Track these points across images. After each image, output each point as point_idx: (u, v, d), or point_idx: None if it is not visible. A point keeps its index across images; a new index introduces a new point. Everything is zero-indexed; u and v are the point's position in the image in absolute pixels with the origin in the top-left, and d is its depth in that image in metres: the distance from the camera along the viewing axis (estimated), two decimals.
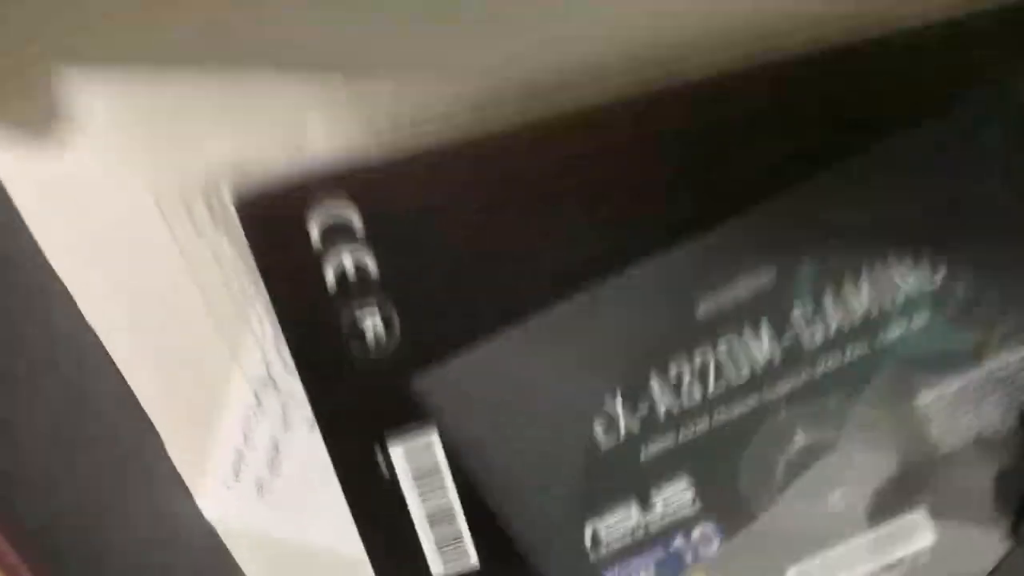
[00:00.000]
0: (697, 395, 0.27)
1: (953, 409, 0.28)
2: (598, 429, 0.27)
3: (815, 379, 0.27)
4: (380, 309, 0.26)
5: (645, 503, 0.28)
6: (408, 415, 0.27)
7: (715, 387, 0.27)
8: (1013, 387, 0.28)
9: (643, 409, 0.27)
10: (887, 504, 0.29)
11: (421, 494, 0.28)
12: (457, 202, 0.25)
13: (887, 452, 0.28)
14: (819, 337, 0.26)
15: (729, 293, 0.26)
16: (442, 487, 0.28)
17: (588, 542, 0.28)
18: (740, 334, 0.26)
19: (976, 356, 0.27)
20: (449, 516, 0.28)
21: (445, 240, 0.25)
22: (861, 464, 0.28)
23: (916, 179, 0.24)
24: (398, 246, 0.25)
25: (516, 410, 0.27)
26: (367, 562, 0.30)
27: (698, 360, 0.27)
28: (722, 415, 0.27)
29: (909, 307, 0.26)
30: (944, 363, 0.27)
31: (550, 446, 0.27)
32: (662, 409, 0.27)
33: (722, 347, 0.26)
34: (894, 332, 0.27)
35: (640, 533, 0.28)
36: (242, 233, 0.25)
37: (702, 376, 0.27)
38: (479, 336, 0.26)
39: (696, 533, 0.29)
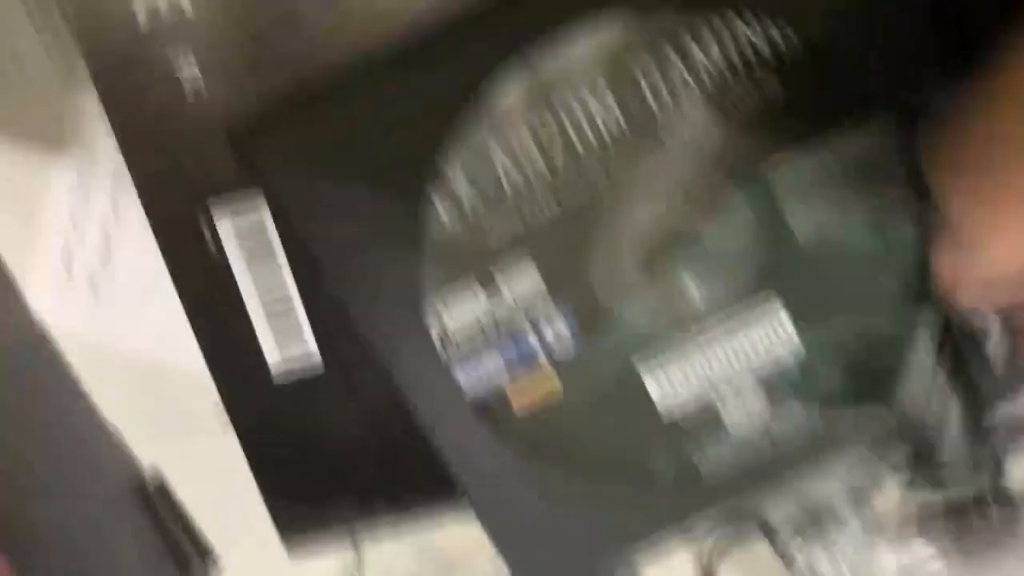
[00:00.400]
0: (540, 164, 0.26)
1: (807, 195, 0.27)
2: (436, 200, 0.26)
3: (667, 152, 0.26)
4: (196, 52, 0.24)
5: (491, 289, 0.27)
6: (236, 183, 0.26)
7: (559, 157, 0.26)
8: (872, 184, 0.27)
9: (484, 178, 0.26)
10: (741, 295, 0.28)
11: (253, 276, 0.27)
12: None
13: (742, 238, 0.27)
14: (664, 104, 0.25)
15: (567, 49, 0.25)
16: (275, 267, 0.27)
17: (434, 334, 0.27)
18: (583, 99, 0.25)
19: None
20: (286, 301, 0.27)
21: None
22: (715, 252, 0.27)
23: None
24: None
25: (344, 172, 0.25)
26: (204, 371, 0.29)
27: (540, 125, 0.26)
28: (568, 187, 0.26)
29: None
30: (793, 140, 0.27)
31: (384, 219, 0.26)
32: (505, 179, 0.26)
33: (565, 110, 0.25)
34: (745, 101, 0.26)
35: (487, 320, 0.27)
36: None
37: (544, 146, 0.26)
38: (310, 89, 0.25)
39: (548, 330, 0.28)
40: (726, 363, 0.28)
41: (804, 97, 0.26)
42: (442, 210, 0.26)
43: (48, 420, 0.31)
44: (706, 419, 0.29)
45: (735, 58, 0.25)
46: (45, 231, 0.28)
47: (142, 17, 0.24)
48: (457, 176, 0.26)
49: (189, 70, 0.25)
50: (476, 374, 0.28)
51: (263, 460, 0.29)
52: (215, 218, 0.26)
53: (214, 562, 0.33)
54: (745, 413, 0.28)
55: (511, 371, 0.28)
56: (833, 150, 0.26)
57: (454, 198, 0.26)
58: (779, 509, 0.32)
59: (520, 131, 0.26)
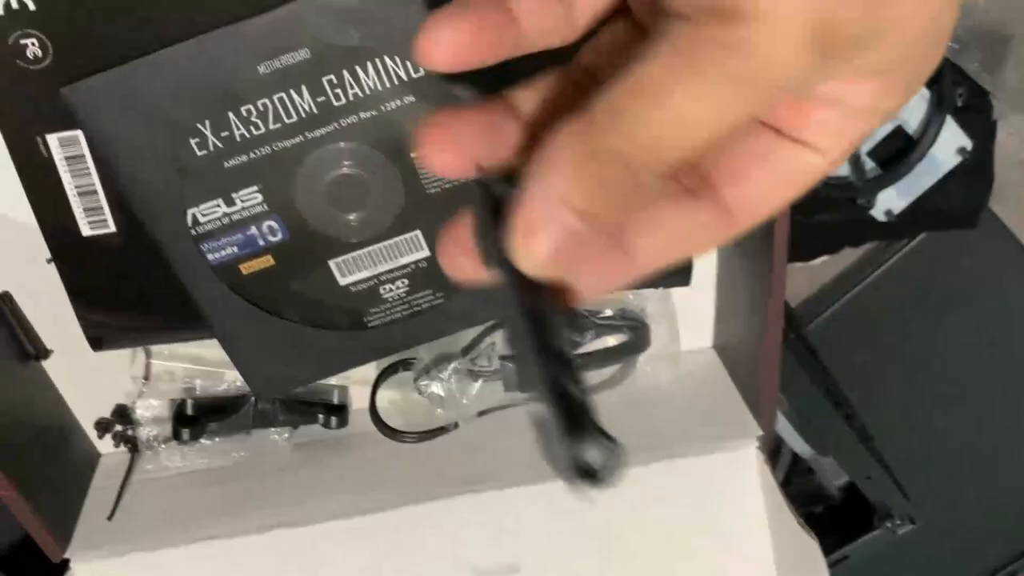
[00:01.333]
0: (261, 128, 0.40)
1: None
2: (193, 142, 0.40)
3: (343, 129, 0.41)
4: (36, 36, 0.38)
5: (228, 199, 0.42)
6: (61, 116, 0.40)
7: (273, 124, 0.40)
8: None
9: (224, 133, 0.40)
10: (396, 223, 0.43)
11: (71, 173, 0.41)
12: None
13: (394, 187, 0.42)
14: (343, 101, 0.40)
15: (279, 61, 0.39)
16: (87, 170, 0.41)
17: (189, 222, 0.42)
18: (288, 90, 0.40)
19: None
20: (92, 192, 0.42)
21: None
22: (376, 193, 0.42)
23: None
24: None
25: (136, 123, 0.40)
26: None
27: (260, 104, 0.40)
28: (280, 144, 0.41)
29: (395, 92, 0.40)
30: None
31: (159, 152, 0.40)
32: (237, 134, 0.40)
33: (276, 97, 0.40)
34: (391, 103, 0.40)
35: (226, 221, 0.42)
36: None
37: (263, 116, 0.40)
38: (109, 65, 0.38)
39: (265, 227, 0.43)
40: (385, 263, 0.44)
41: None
42: (196, 148, 0.40)
43: None
44: (371, 294, 0.45)
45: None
46: None
47: None
48: (207, 129, 0.40)
49: (32, 48, 0.38)
50: (218, 250, 0.43)
51: (76, 286, 0.45)
52: (47, 137, 0.40)
53: (46, 356, 0.49)
54: (395, 295, 0.45)
55: (240, 250, 0.43)
56: None
57: (204, 141, 0.40)
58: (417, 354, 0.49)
59: (247, 106, 0.40)
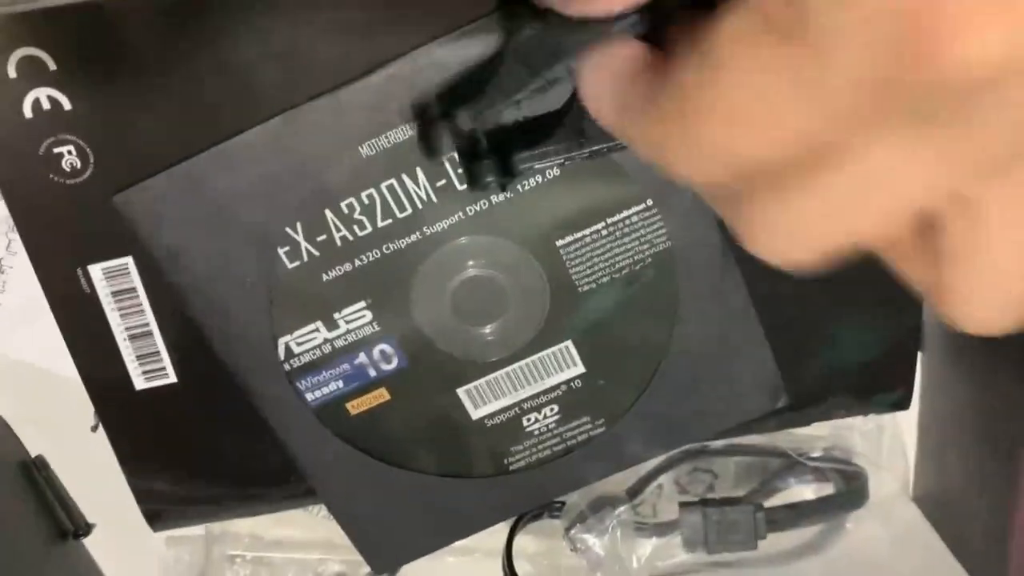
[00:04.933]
0: (367, 226, 0.31)
1: (586, 256, 0.33)
2: (282, 252, 0.31)
3: (470, 219, 0.32)
4: (73, 142, 0.30)
5: (329, 321, 0.33)
6: (105, 239, 0.31)
7: (382, 220, 0.31)
8: (638, 238, 0.33)
9: (321, 237, 0.31)
10: (540, 335, 0.34)
11: (120, 312, 0.32)
12: (137, 47, 0.28)
13: (536, 288, 0.33)
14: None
15: (386, 139, 0.30)
16: (139, 308, 0.32)
17: (281, 355, 0.33)
18: (398, 175, 0.31)
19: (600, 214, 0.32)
20: (146, 334, 0.33)
21: (132, 81, 0.29)
22: (515, 297, 0.33)
23: None
24: (87, 85, 0.29)
25: (208, 232, 0.31)
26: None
27: (365, 196, 0.31)
28: (392, 244, 0.32)
29: None
30: (578, 215, 0.32)
31: (239, 268, 0.32)
32: (337, 237, 0.31)
33: (384, 185, 0.31)
34: (528, 181, 0.31)
35: (328, 350, 0.33)
36: None
37: (369, 211, 0.31)
38: (164, 166, 0.30)
39: (377, 353, 0.33)
40: (528, 386, 0.34)
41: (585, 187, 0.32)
42: (285, 259, 0.32)
43: None
44: (512, 428, 0.35)
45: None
46: None
47: (27, 112, 0.29)
48: (299, 234, 0.31)
49: (69, 158, 0.30)
50: (318, 387, 0.34)
51: (128, 452, 0.35)
52: (88, 267, 0.32)
53: (87, 533, 0.39)
54: (542, 426, 0.35)
55: (347, 384, 0.34)
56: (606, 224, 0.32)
57: (295, 250, 0.31)
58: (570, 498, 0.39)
59: (348, 200, 0.31)
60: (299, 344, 0.33)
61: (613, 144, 0.29)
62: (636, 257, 0.33)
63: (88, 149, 0.30)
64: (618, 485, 0.40)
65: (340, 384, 0.34)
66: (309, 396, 0.34)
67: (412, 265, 0.32)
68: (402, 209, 0.31)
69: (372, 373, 0.34)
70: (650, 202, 0.32)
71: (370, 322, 0.33)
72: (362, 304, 0.33)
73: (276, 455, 0.35)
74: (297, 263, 0.32)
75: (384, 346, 0.34)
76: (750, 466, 0.43)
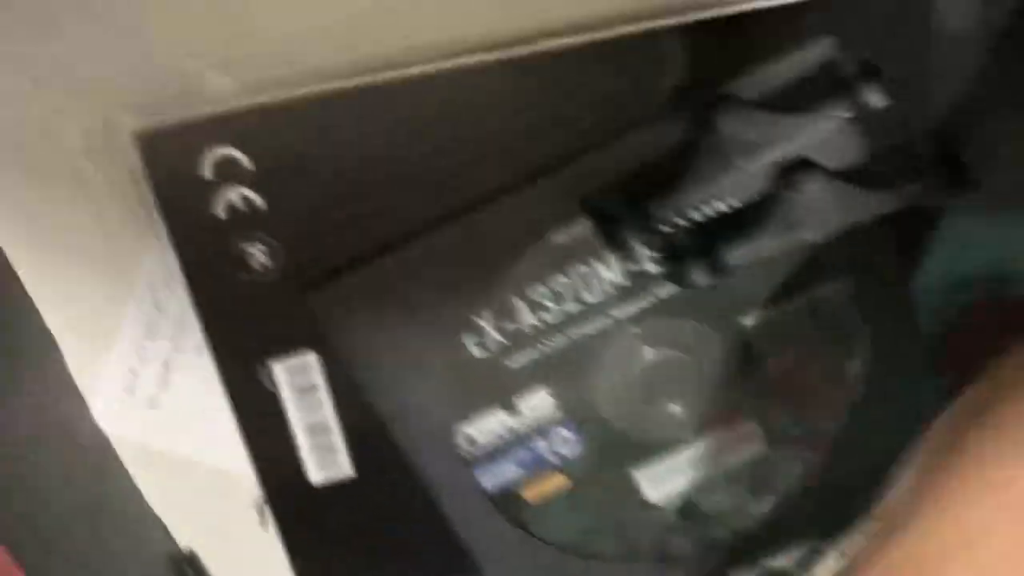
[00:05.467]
0: (556, 313, 0.31)
1: (775, 332, 0.32)
2: (470, 342, 0.31)
3: (659, 302, 0.31)
4: (265, 240, 0.29)
5: (511, 408, 0.32)
6: (289, 336, 0.31)
7: (573, 306, 0.31)
8: (833, 316, 0.32)
9: (509, 325, 0.31)
10: (722, 414, 0.33)
11: (299, 409, 0.32)
12: (335, 148, 0.28)
13: (721, 368, 0.32)
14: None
15: (579, 227, 0.30)
16: (319, 403, 0.32)
17: (461, 445, 0.32)
18: (588, 260, 0.30)
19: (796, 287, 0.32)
20: (325, 429, 0.32)
21: (327, 181, 0.29)
22: (699, 377, 0.32)
23: None
24: (284, 184, 0.29)
25: (394, 328, 0.30)
26: (250, 476, 0.34)
27: (556, 283, 0.30)
28: (578, 331, 0.31)
29: None
30: (770, 291, 0.32)
31: (426, 358, 0.31)
32: (526, 324, 0.31)
33: (578, 272, 0.30)
34: None
35: (508, 436, 0.32)
36: (142, 168, 0.28)
37: (559, 298, 0.31)
38: (358, 264, 0.30)
39: (557, 438, 0.33)
40: (708, 466, 0.34)
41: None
42: (472, 348, 0.31)
43: (102, 512, 0.36)
44: (691, 511, 0.34)
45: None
46: (113, 360, 0.33)
47: (220, 212, 0.29)
48: (486, 321, 0.31)
49: (259, 256, 0.30)
50: (495, 474, 0.33)
51: (300, 547, 0.35)
52: (271, 366, 0.31)
53: None
54: (720, 507, 0.34)
55: (525, 470, 0.33)
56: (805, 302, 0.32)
57: (481, 338, 0.31)
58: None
59: (537, 287, 0.30)
60: (480, 431, 0.32)
61: (829, 232, 0.28)
62: (829, 337, 0.32)
63: (280, 248, 0.30)
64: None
65: (517, 470, 0.33)
66: (487, 483, 0.33)
67: (598, 349, 0.32)
68: (593, 294, 0.31)
69: (550, 459, 0.33)
70: (849, 280, 0.32)
71: (552, 407, 0.32)
72: (545, 390, 0.32)
73: (452, 549, 0.34)
74: (482, 350, 0.31)
75: (564, 431, 0.33)
76: None
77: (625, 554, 0.35)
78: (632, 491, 0.34)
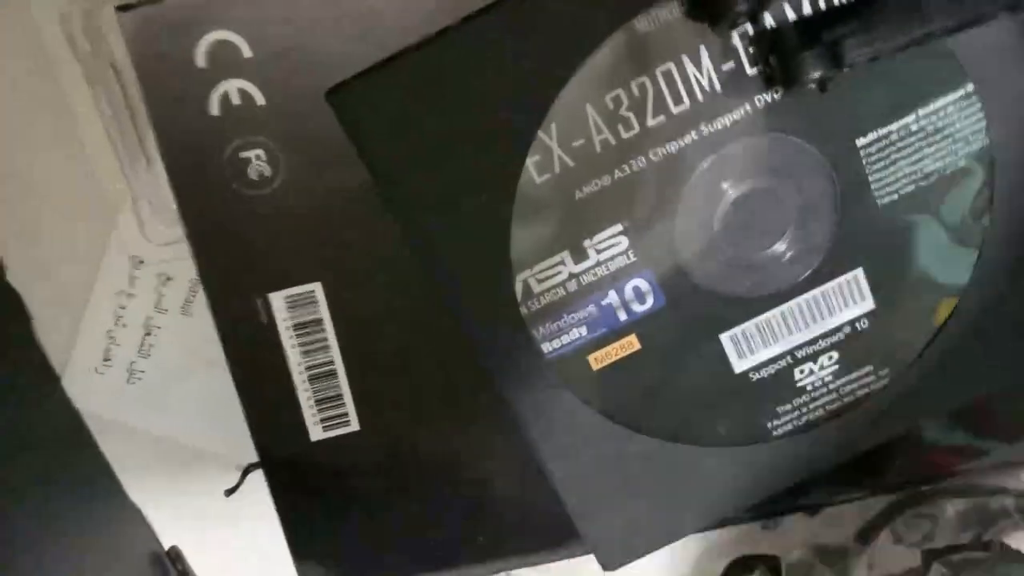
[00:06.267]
0: (634, 126, 0.26)
1: (890, 159, 0.27)
2: (530, 163, 0.26)
3: (759, 115, 0.26)
4: (265, 143, 0.24)
5: (577, 250, 0.27)
6: (292, 264, 0.26)
7: (653, 118, 0.26)
8: (951, 139, 0.27)
9: (579, 140, 0.26)
10: (823, 263, 0.28)
11: (302, 348, 0.27)
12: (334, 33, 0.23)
13: (824, 203, 0.27)
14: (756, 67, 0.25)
15: (667, 12, 0.25)
16: (324, 342, 0.27)
17: (519, 294, 0.27)
18: (678, 58, 0.25)
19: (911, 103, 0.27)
20: (330, 373, 0.27)
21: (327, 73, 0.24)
22: (796, 217, 0.27)
23: None
24: (287, 77, 0.24)
25: (439, 139, 0.25)
26: (228, 455, 0.29)
27: (635, 86, 0.25)
28: (661, 149, 0.26)
29: None
30: (884, 105, 0.27)
31: (479, 182, 0.26)
32: (598, 140, 0.26)
33: (660, 71, 0.25)
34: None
35: (572, 285, 0.27)
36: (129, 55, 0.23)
37: (638, 106, 0.26)
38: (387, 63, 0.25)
39: (629, 289, 0.27)
40: (804, 328, 0.28)
41: (890, 70, 0.26)
42: (534, 169, 0.26)
43: (77, 497, 0.31)
44: (781, 382, 0.29)
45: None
46: (89, 325, 0.28)
47: (215, 107, 0.24)
48: (551, 135, 0.26)
49: (257, 163, 0.25)
50: (557, 334, 0.28)
51: (296, 518, 0.29)
52: (268, 292, 0.26)
53: None
54: (817, 379, 0.29)
55: (592, 330, 0.28)
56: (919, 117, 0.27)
57: (546, 156, 0.26)
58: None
59: (615, 93, 0.25)
60: (540, 281, 0.27)
61: (959, 23, 0.23)
62: (948, 160, 0.27)
63: (280, 154, 0.25)
64: (839, 533, 0.34)
65: (584, 331, 0.28)
66: (547, 347, 0.28)
67: (683, 175, 0.27)
68: (678, 102, 0.26)
69: (623, 317, 0.28)
70: (971, 87, 0.27)
71: (625, 251, 0.27)
72: (619, 227, 0.27)
73: (464, 517, 0.29)
74: (547, 175, 0.26)
75: (639, 281, 0.28)
76: (968, 511, 0.37)
77: (704, 436, 0.29)
78: (715, 359, 0.29)
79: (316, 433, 0.29)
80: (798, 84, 0.24)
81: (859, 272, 0.28)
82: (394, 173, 0.26)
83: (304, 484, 0.29)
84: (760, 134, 0.26)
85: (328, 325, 0.28)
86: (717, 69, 0.26)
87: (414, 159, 0.25)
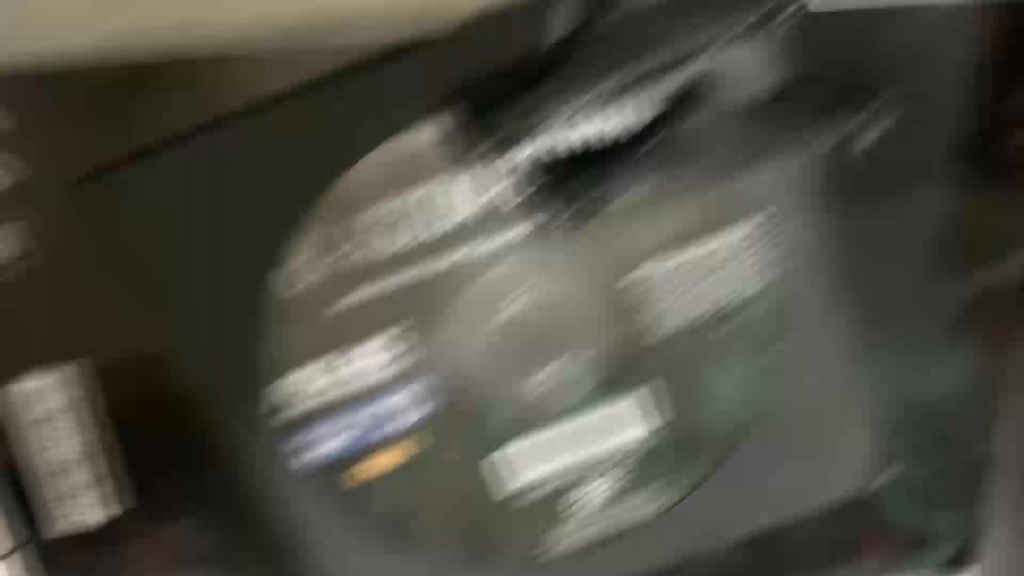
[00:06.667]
0: (398, 242, 0.24)
1: (674, 285, 0.26)
2: (286, 272, 0.24)
3: (528, 237, 0.25)
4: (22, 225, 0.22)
5: (334, 362, 0.25)
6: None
7: (421, 235, 0.24)
8: (739, 266, 0.26)
9: (333, 255, 0.24)
10: (601, 385, 0.27)
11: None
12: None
13: (602, 328, 0.26)
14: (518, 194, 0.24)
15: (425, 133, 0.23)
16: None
17: (274, 403, 0.25)
18: (439, 179, 0.24)
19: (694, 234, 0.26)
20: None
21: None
22: (575, 338, 0.26)
23: None
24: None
25: (181, 241, 0.23)
26: None
27: (397, 202, 0.24)
28: (428, 267, 0.25)
29: None
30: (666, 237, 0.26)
31: (231, 286, 0.24)
32: (358, 254, 0.24)
33: (418, 193, 0.24)
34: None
35: (333, 395, 0.26)
36: None
37: (403, 221, 0.24)
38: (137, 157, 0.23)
39: (392, 401, 0.26)
40: (578, 449, 0.27)
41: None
42: (288, 281, 0.24)
43: None
44: (554, 502, 0.28)
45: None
46: None
47: None
48: (306, 249, 0.24)
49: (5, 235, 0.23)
50: (314, 444, 0.26)
51: None
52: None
53: None
54: (592, 501, 0.28)
55: (353, 444, 0.26)
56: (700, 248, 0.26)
57: (301, 270, 0.24)
58: None
59: (376, 209, 0.24)
60: (293, 389, 0.25)
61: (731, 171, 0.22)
62: (732, 291, 0.26)
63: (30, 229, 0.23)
64: None
65: (343, 442, 0.26)
66: (305, 457, 0.26)
67: (450, 292, 0.25)
68: (442, 219, 0.24)
69: (387, 429, 0.26)
70: (760, 219, 0.26)
71: (387, 364, 0.26)
72: (380, 341, 0.25)
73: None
74: (302, 286, 0.24)
75: (402, 396, 0.26)
76: None
77: (471, 553, 0.28)
78: (485, 477, 0.27)
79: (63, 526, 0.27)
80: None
81: (635, 398, 0.27)
82: (138, 270, 0.24)
83: None
84: (535, 258, 0.25)
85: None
86: (482, 191, 0.24)
87: (159, 261, 0.24)
